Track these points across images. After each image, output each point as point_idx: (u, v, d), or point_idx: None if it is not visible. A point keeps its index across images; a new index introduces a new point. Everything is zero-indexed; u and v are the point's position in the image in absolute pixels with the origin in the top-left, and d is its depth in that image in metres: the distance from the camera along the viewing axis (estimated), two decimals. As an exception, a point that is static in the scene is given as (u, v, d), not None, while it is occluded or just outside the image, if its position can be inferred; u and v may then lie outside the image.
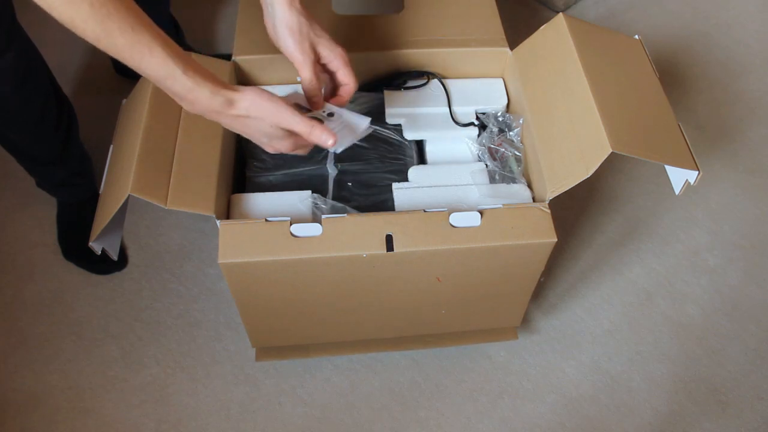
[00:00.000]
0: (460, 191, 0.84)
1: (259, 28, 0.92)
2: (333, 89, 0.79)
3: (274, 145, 0.70)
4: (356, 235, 0.76)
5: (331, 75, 0.78)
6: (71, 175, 1.09)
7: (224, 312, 1.09)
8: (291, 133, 0.69)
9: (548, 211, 0.79)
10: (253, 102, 0.66)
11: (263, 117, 0.66)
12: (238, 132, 0.70)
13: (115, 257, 0.87)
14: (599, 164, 0.71)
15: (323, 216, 0.77)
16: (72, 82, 1.36)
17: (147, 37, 0.58)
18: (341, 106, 0.78)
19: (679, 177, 0.77)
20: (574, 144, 0.76)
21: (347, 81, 0.77)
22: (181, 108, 0.80)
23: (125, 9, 0.57)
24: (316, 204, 0.82)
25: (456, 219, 0.77)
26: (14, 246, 1.15)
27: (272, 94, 0.67)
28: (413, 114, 0.92)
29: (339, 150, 0.77)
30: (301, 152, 0.74)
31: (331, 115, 0.76)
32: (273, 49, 0.90)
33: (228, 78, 0.88)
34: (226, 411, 0.99)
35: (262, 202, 0.82)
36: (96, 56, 1.39)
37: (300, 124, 0.68)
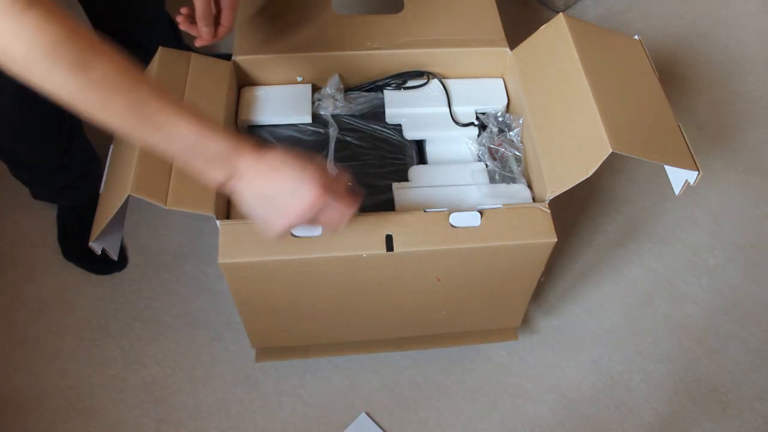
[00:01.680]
0: (460, 191, 0.84)
1: (259, 28, 0.92)
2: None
3: (294, 207, 0.63)
4: (356, 235, 0.76)
5: (217, 12, 0.82)
6: (74, 179, 1.09)
7: (224, 312, 1.09)
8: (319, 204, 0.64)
9: (548, 211, 0.79)
10: (282, 152, 0.63)
11: (291, 166, 0.63)
12: (256, 195, 0.63)
13: (115, 257, 0.87)
14: (599, 164, 0.71)
15: (323, 216, 0.77)
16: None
17: (170, 97, 0.57)
18: (214, 41, 0.82)
19: (679, 177, 0.77)
20: (574, 144, 0.76)
21: (226, 23, 0.82)
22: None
23: (146, 82, 0.56)
24: (316, 204, 0.81)
25: (456, 219, 0.77)
26: (14, 246, 1.15)
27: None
28: (413, 114, 0.92)
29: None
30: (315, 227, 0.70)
31: None
32: (273, 49, 0.91)
33: (228, 78, 0.88)
34: (226, 411, 0.99)
35: (262, 202, 0.82)
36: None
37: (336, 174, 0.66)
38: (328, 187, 0.64)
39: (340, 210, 0.67)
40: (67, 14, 0.50)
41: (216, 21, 0.82)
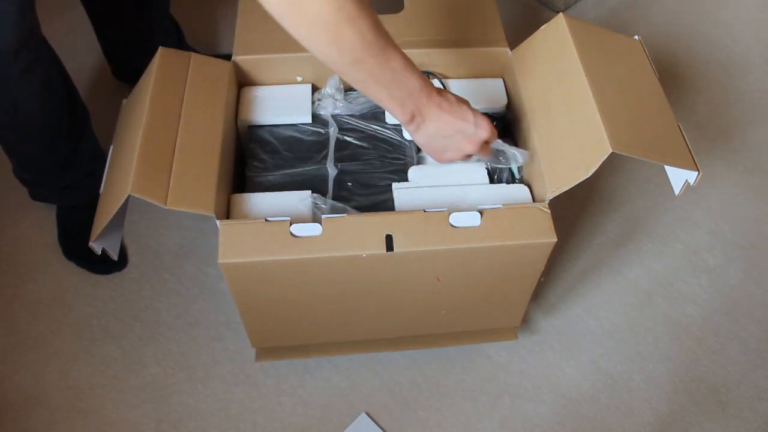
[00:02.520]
0: (460, 191, 0.84)
1: (259, 28, 0.92)
2: None
3: (464, 148, 0.77)
4: (356, 235, 0.76)
5: None
6: (79, 179, 1.09)
7: (224, 312, 1.09)
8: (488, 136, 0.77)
9: (548, 211, 0.79)
10: (438, 113, 0.73)
11: (466, 107, 0.75)
12: (435, 136, 0.75)
13: (115, 257, 0.87)
14: (599, 164, 0.71)
15: (323, 216, 0.77)
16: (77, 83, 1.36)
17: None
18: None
19: (679, 177, 0.77)
20: (574, 144, 0.76)
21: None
22: (180, 108, 0.80)
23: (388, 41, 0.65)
24: (316, 204, 0.82)
25: (456, 219, 0.77)
26: (14, 246, 1.15)
27: None
28: (413, 114, 0.92)
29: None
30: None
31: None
32: (273, 49, 0.91)
33: (228, 78, 0.88)
34: (226, 411, 0.99)
35: (262, 202, 0.82)
36: (97, 57, 1.39)
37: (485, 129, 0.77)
38: (491, 133, 0.77)
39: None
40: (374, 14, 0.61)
41: None
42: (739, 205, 1.25)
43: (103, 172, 0.79)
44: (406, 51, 0.90)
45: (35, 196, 1.14)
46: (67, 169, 1.06)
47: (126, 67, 1.33)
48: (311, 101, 0.92)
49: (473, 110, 0.75)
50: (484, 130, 0.75)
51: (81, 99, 1.05)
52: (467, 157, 0.79)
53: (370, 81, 0.67)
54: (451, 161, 0.79)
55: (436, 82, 0.94)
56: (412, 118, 0.72)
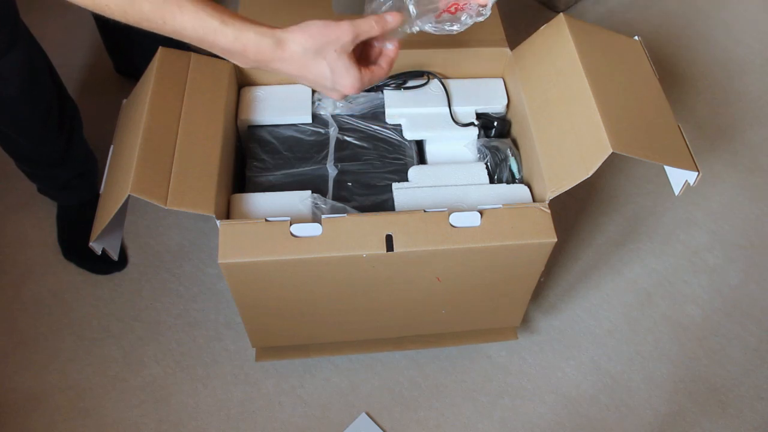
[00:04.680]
0: (460, 191, 0.84)
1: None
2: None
3: (341, 82, 0.64)
4: (356, 235, 0.76)
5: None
6: (74, 177, 1.09)
7: (224, 312, 1.09)
8: (354, 60, 0.64)
9: (548, 211, 0.79)
10: (303, 32, 0.62)
11: (320, 43, 0.62)
12: (298, 78, 0.65)
13: (115, 257, 0.87)
14: (599, 164, 0.71)
15: (323, 216, 0.77)
16: (73, 82, 1.36)
17: None
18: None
19: (679, 177, 0.77)
20: (574, 144, 0.76)
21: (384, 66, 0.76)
22: (180, 108, 0.80)
23: None
24: (316, 204, 0.82)
25: (456, 219, 0.77)
26: (14, 246, 1.15)
27: (323, 21, 0.63)
28: (413, 114, 0.92)
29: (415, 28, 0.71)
30: (370, 81, 0.68)
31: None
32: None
33: (228, 78, 0.88)
34: (226, 411, 0.99)
35: (262, 202, 0.82)
36: (97, 57, 1.39)
37: (362, 23, 0.64)
38: (357, 67, 0.65)
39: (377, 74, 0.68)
40: None
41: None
42: (739, 205, 1.25)
43: (93, 173, 0.79)
44: (406, 51, 0.89)
45: (41, 190, 1.14)
46: (62, 167, 1.06)
47: (127, 62, 1.33)
48: (311, 101, 0.92)
49: (332, 64, 0.63)
50: (342, 88, 0.65)
51: (70, 96, 1.05)
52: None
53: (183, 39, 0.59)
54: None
55: (436, 82, 0.94)
56: (257, 67, 0.63)
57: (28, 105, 0.93)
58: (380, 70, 0.69)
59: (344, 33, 0.63)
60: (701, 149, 1.32)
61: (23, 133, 0.97)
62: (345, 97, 0.70)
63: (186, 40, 0.59)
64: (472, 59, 0.94)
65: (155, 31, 0.57)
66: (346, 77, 0.64)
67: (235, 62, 0.62)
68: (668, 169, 0.79)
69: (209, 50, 0.61)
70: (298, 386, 1.02)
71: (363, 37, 0.65)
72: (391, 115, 0.91)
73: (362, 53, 0.71)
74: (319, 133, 0.91)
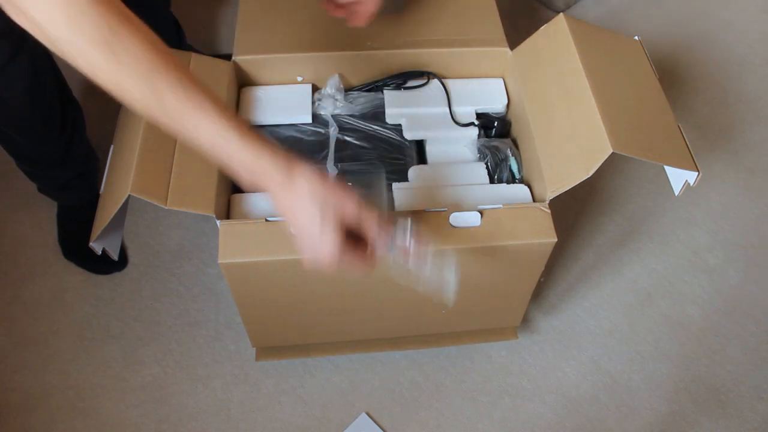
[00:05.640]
0: (460, 191, 0.84)
1: (259, 28, 0.92)
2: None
3: (323, 244, 0.59)
4: (356, 235, 0.76)
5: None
6: (74, 177, 1.09)
7: (224, 312, 1.09)
8: (344, 234, 0.60)
9: (548, 211, 0.79)
10: (320, 177, 0.59)
11: (328, 199, 0.59)
12: (286, 213, 0.61)
13: (115, 257, 0.87)
14: (599, 164, 0.71)
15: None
16: (74, 82, 1.35)
17: (199, 96, 0.54)
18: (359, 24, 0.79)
19: (679, 177, 0.77)
20: (574, 144, 0.76)
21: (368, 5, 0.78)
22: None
23: (174, 65, 0.53)
24: (316, 204, 0.81)
25: (456, 219, 0.77)
26: (14, 246, 1.15)
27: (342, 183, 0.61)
28: (413, 114, 0.92)
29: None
30: (348, 262, 0.63)
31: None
32: (273, 49, 0.91)
33: (228, 78, 0.88)
34: (226, 411, 0.99)
35: (262, 202, 0.82)
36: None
37: (372, 219, 0.61)
38: (340, 253, 0.60)
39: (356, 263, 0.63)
40: None
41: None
42: (739, 205, 1.25)
43: (94, 173, 0.79)
44: (406, 51, 0.90)
45: (40, 190, 1.14)
46: (62, 167, 1.06)
47: None
48: (311, 101, 0.92)
49: (324, 223, 0.59)
50: (323, 252, 0.60)
51: (74, 96, 1.05)
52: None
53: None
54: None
55: (436, 82, 0.94)
56: (254, 188, 0.60)
57: (30, 106, 0.93)
58: (360, 258, 0.63)
59: (351, 210, 0.61)
60: (701, 149, 1.32)
61: (23, 133, 0.97)
62: (315, 259, 0.62)
63: (201, 147, 0.57)
64: (472, 59, 0.94)
65: (171, 131, 0.55)
66: (330, 243, 0.59)
67: (236, 172, 0.59)
68: (668, 169, 0.79)
69: (217, 158, 0.58)
70: (298, 386, 1.02)
71: (364, 228, 0.62)
72: (391, 115, 0.91)
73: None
74: (319, 133, 0.91)
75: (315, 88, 0.94)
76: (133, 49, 0.51)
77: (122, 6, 0.52)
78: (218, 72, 0.87)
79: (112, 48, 0.50)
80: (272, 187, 0.59)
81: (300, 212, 0.60)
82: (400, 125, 0.91)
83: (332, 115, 0.92)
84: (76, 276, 1.12)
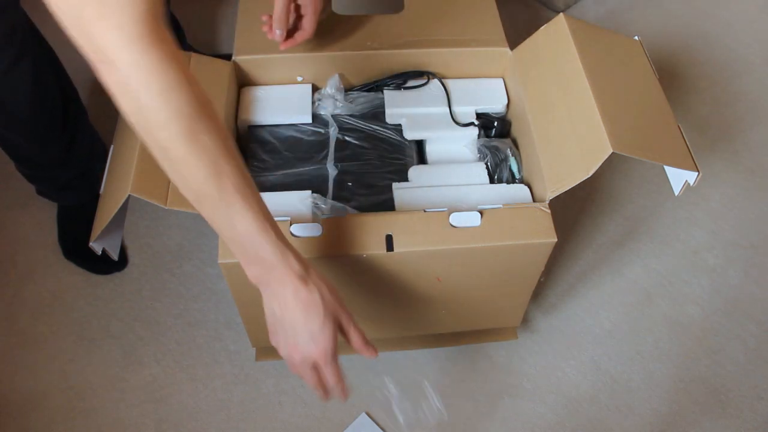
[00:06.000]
0: (460, 191, 0.84)
1: (259, 28, 0.92)
2: (292, 31, 0.87)
3: (320, 339, 0.63)
4: (356, 235, 0.76)
5: (298, 18, 0.87)
6: (75, 177, 1.09)
7: (224, 312, 1.09)
8: (330, 355, 0.64)
9: (548, 211, 0.79)
10: (324, 282, 0.64)
11: (334, 304, 0.64)
12: (279, 315, 0.63)
13: (115, 257, 0.87)
14: (599, 164, 0.71)
15: (323, 216, 0.77)
16: (75, 82, 1.36)
17: (252, 188, 0.59)
18: (291, 45, 0.87)
19: (679, 177, 0.77)
20: (574, 144, 0.76)
21: (307, 28, 0.86)
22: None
23: (237, 155, 0.58)
24: (316, 204, 0.82)
25: (456, 219, 0.77)
26: (14, 246, 1.15)
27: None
28: (413, 114, 0.92)
29: None
30: (317, 389, 0.67)
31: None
32: (273, 49, 0.91)
33: (228, 78, 0.88)
34: (226, 411, 0.99)
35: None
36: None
37: (359, 334, 0.67)
38: (324, 357, 0.64)
39: (334, 380, 0.66)
40: (186, 61, 0.52)
41: (297, 26, 0.87)
42: (739, 205, 1.25)
43: (100, 171, 0.80)
44: (406, 51, 0.90)
45: (39, 192, 1.14)
46: (63, 168, 1.06)
47: None
48: (311, 101, 0.92)
49: (325, 320, 0.63)
50: (318, 347, 0.63)
51: (77, 96, 1.05)
52: (311, 372, 0.65)
53: (214, 227, 0.61)
54: (291, 361, 0.66)
55: (436, 82, 0.94)
56: (256, 281, 0.64)
57: (32, 109, 0.93)
58: (334, 376, 0.67)
59: (346, 322, 0.66)
60: (701, 149, 1.32)
61: (26, 136, 0.97)
62: (300, 354, 0.65)
63: (236, 234, 0.60)
64: (472, 59, 0.94)
65: (214, 220, 0.60)
66: (329, 339, 0.64)
67: (249, 268, 0.63)
68: (668, 169, 0.79)
69: (246, 248, 0.62)
70: (298, 386, 1.02)
71: (346, 330, 0.67)
72: (391, 115, 0.91)
73: None
74: (319, 133, 0.91)
75: (315, 88, 0.94)
76: (211, 131, 0.55)
77: (205, 96, 0.55)
78: (218, 72, 0.87)
79: (192, 127, 0.54)
80: (288, 280, 0.61)
81: (307, 306, 0.62)
82: (400, 125, 0.92)
83: (332, 115, 0.92)
84: (76, 276, 1.12)
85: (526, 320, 1.08)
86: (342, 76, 0.93)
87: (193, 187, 0.57)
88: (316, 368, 0.65)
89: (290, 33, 0.87)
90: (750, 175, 1.29)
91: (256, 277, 0.63)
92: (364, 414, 0.99)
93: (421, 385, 0.79)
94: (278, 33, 0.85)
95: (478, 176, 0.87)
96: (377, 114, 0.93)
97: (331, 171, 0.87)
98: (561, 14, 0.85)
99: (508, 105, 0.94)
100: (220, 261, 0.75)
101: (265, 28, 0.86)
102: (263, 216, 0.59)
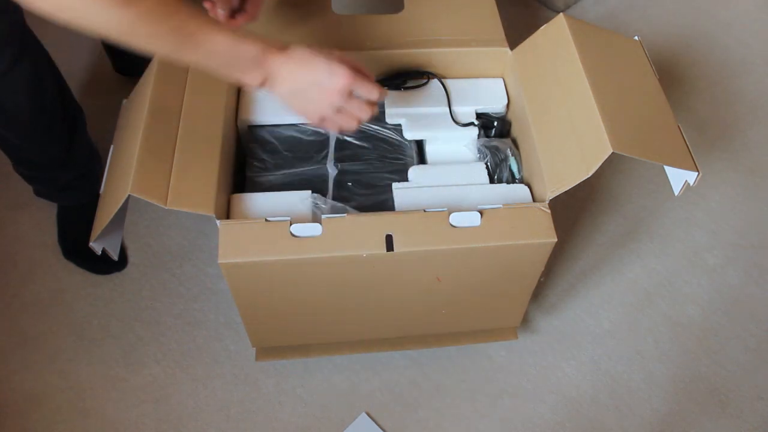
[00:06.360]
0: (460, 191, 0.84)
1: (258, 28, 0.92)
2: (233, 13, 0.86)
3: (337, 71, 0.69)
4: (356, 235, 0.76)
5: (244, 0, 0.86)
6: (75, 178, 1.09)
7: (224, 312, 1.09)
8: (355, 74, 0.70)
9: (548, 211, 0.79)
10: (305, 46, 0.69)
11: (321, 50, 0.69)
12: (297, 85, 0.70)
13: (115, 257, 0.87)
14: (599, 164, 0.71)
15: (323, 216, 0.77)
16: (73, 82, 1.36)
17: (204, 18, 0.62)
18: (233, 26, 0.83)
19: (679, 177, 0.77)
20: (574, 144, 0.76)
21: (250, 11, 0.86)
22: (180, 109, 0.80)
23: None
24: (316, 204, 0.82)
25: (456, 219, 0.77)
26: (14, 246, 1.15)
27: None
28: (413, 114, 0.92)
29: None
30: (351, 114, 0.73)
31: None
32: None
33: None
34: (226, 411, 0.99)
35: (262, 202, 0.82)
36: (97, 57, 1.39)
37: (359, 69, 0.71)
38: (356, 71, 0.70)
39: (363, 103, 0.73)
40: None
41: (241, 8, 0.86)
42: (739, 205, 1.25)
43: (99, 172, 0.80)
44: (406, 51, 0.90)
45: (38, 193, 1.14)
46: (63, 168, 1.06)
47: (127, 62, 1.33)
48: (311, 101, 0.92)
49: (328, 59, 0.69)
50: (339, 77, 0.69)
51: (74, 97, 1.05)
52: (340, 113, 0.73)
53: (205, 66, 0.65)
54: (322, 118, 0.73)
55: (436, 82, 0.94)
56: (263, 82, 0.69)
57: (31, 111, 0.93)
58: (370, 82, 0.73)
59: (351, 60, 0.71)
60: (701, 149, 1.32)
61: (25, 137, 0.97)
62: (324, 102, 0.71)
63: (213, 53, 0.64)
64: (472, 59, 0.94)
65: (182, 48, 0.63)
66: (342, 67, 0.69)
67: (240, 73, 0.67)
68: (668, 169, 0.79)
69: (227, 60, 0.66)
70: (298, 386, 1.02)
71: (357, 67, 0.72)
72: (391, 114, 0.91)
73: None
74: (319, 132, 0.91)
75: (315, 88, 0.94)
76: (152, 7, 0.58)
77: None
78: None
79: (137, 8, 0.57)
80: (284, 56, 0.67)
81: (312, 56, 0.68)
82: (399, 125, 0.92)
83: (332, 115, 0.92)
84: (76, 276, 1.12)
85: (526, 320, 1.08)
86: (342, 76, 0.93)
87: (161, 51, 0.62)
88: (342, 110, 0.72)
89: (234, 14, 0.86)
90: (750, 175, 1.29)
91: (260, 78, 0.68)
92: (364, 414, 0.99)
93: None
94: (221, 12, 0.84)
95: (478, 176, 0.87)
96: (377, 114, 0.92)
97: (331, 171, 0.87)
98: (561, 14, 0.85)
99: (508, 105, 0.94)
100: (220, 261, 0.75)
101: (208, 5, 0.85)
102: (231, 30, 0.64)
